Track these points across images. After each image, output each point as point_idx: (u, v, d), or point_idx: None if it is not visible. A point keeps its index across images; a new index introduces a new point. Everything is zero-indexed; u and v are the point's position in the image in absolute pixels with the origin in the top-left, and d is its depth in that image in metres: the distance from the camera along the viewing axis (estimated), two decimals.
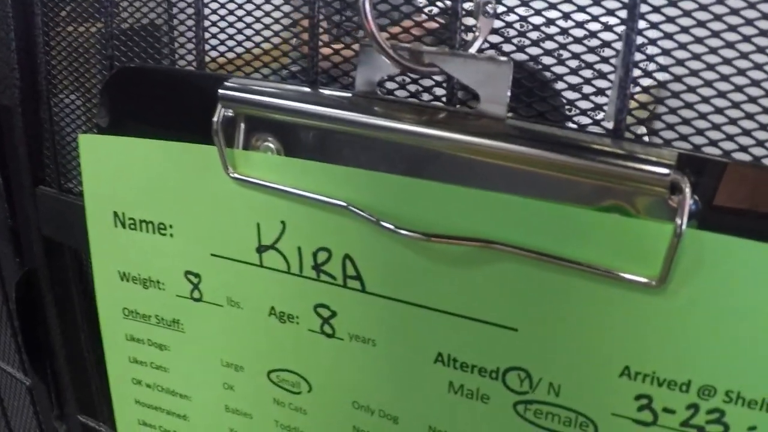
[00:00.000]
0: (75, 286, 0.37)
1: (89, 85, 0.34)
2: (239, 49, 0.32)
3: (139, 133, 0.30)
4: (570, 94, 0.26)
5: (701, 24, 0.24)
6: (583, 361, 0.25)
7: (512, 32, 0.26)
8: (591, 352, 0.24)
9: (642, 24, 0.24)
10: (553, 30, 0.26)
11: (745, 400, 0.22)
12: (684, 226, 0.21)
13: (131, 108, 0.32)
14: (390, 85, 0.28)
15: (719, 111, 0.24)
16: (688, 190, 0.22)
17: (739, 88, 0.23)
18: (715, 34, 0.23)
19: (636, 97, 0.25)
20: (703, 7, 0.23)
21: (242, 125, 0.29)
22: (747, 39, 0.23)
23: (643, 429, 0.24)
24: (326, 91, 0.28)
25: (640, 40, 0.24)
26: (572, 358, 0.25)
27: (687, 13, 0.24)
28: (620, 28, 0.24)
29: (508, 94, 0.24)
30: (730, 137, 0.24)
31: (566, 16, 0.26)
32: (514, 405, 0.26)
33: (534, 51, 0.27)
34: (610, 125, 0.25)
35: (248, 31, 0.31)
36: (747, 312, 0.22)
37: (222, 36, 0.32)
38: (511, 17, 0.27)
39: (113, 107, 0.32)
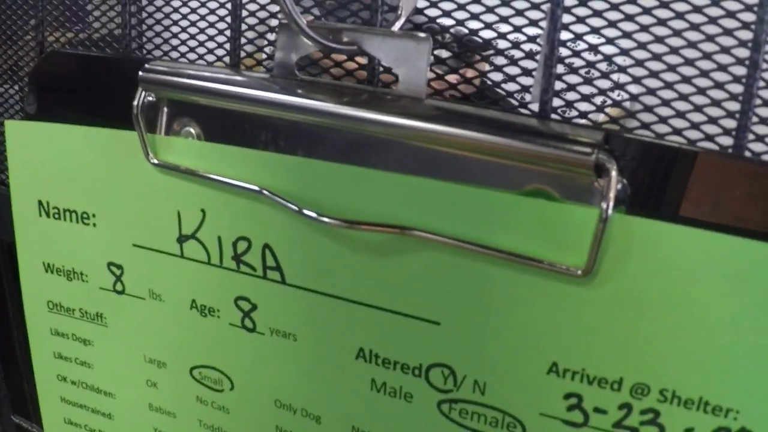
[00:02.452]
0: (7, 282, 0.36)
1: (22, 73, 0.33)
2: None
3: (66, 120, 0.29)
4: (496, 76, 0.25)
5: None
6: (509, 357, 0.23)
7: (436, 12, 0.25)
8: (517, 348, 0.23)
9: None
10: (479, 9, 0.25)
11: (680, 400, 0.21)
12: (610, 211, 0.20)
13: (59, 94, 0.31)
14: (314, 70, 0.27)
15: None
16: (614, 173, 0.20)
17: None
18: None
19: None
20: None
21: (164, 110, 0.28)
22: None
23: (573, 430, 0.23)
24: (246, 73, 0.27)
25: (567, 18, 0.23)
26: (497, 354, 0.23)
27: None
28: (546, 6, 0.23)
29: (428, 72, 0.23)
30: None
31: None
32: (439, 404, 0.25)
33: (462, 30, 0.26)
34: (536, 107, 0.24)
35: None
36: (680, 303, 0.20)
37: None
38: None
39: (41, 94, 0.31)
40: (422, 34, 0.23)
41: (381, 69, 0.26)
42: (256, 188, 0.25)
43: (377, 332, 0.25)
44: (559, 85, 0.24)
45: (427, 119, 0.23)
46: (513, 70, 0.25)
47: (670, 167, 0.22)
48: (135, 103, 0.27)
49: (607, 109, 0.25)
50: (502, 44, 0.25)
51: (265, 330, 0.27)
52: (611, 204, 0.20)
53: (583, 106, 0.25)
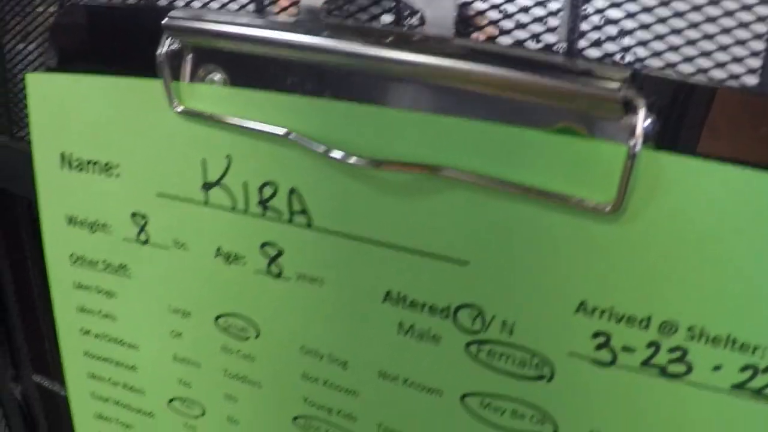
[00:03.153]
0: (27, 240, 0.36)
1: (42, 29, 0.33)
2: None
3: (88, 73, 0.29)
4: (523, 17, 0.25)
5: None
6: (537, 296, 0.23)
7: None
8: (545, 286, 0.23)
9: None
10: None
11: (708, 337, 0.21)
12: (638, 147, 0.20)
13: (80, 47, 0.31)
14: (340, 14, 0.27)
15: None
16: (642, 109, 0.21)
17: None
18: None
19: None
20: None
21: (189, 57, 0.28)
22: None
23: (601, 370, 0.23)
24: (272, 17, 0.27)
25: None
26: (526, 293, 0.23)
27: None
28: None
29: (455, 12, 0.23)
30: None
31: None
32: (467, 346, 0.25)
33: None
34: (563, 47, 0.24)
35: None
36: (708, 238, 0.20)
37: None
38: None
39: (62, 47, 0.31)
40: None
41: (408, 11, 0.26)
42: (283, 131, 0.25)
43: (405, 274, 0.25)
44: (584, 26, 0.24)
45: (456, 57, 0.23)
46: (539, 12, 0.25)
47: (695, 104, 0.22)
48: (159, 51, 0.27)
49: (632, 49, 0.25)
50: None
51: (291, 275, 0.27)
52: (639, 140, 0.20)
53: (609, 47, 0.25)
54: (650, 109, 0.21)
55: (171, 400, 0.33)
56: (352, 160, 0.24)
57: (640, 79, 0.21)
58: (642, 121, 0.20)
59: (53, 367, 0.39)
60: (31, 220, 0.36)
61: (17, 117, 0.34)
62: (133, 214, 0.30)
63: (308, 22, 0.25)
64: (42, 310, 0.38)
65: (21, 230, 0.36)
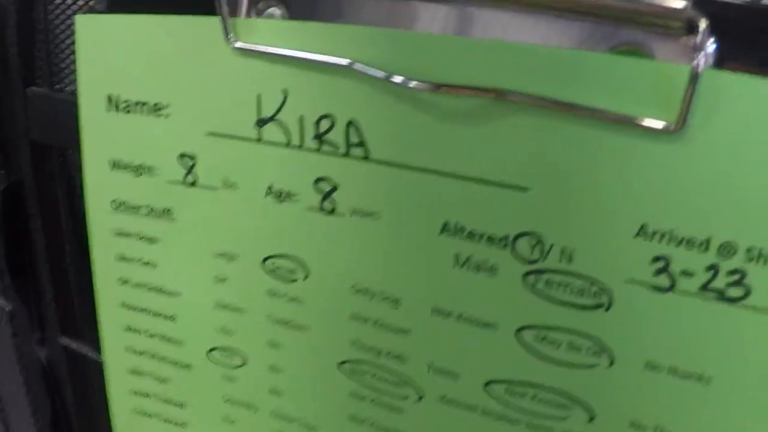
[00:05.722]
0: (61, 196, 0.36)
1: None
2: None
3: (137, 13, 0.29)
4: None
5: None
6: (598, 221, 0.23)
7: None
8: (606, 210, 0.23)
9: None
10: None
11: (767, 259, 0.21)
12: (701, 66, 0.21)
13: None
14: None
15: None
16: (704, 27, 0.21)
17: None
18: None
19: None
20: None
21: None
22: None
23: (659, 296, 0.23)
24: None
25: None
26: (586, 219, 0.24)
27: None
28: None
29: None
30: None
31: None
32: (524, 276, 0.25)
33: None
34: None
35: None
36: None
37: None
38: None
39: None
40: None
41: None
42: (346, 62, 0.25)
43: (463, 204, 0.25)
44: None
45: None
46: None
47: (758, 25, 0.22)
48: None
49: None
50: None
51: (345, 211, 0.27)
52: (702, 60, 0.21)
53: None
54: (711, 29, 0.21)
55: (210, 351, 0.32)
56: (413, 83, 0.24)
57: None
58: (705, 40, 0.21)
59: (82, 327, 0.38)
60: (65, 174, 0.36)
61: (57, 68, 0.34)
62: (182, 156, 0.30)
63: None
64: (74, 266, 0.37)
65: (55, 185, 0.36)
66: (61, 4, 0.34)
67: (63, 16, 0.34)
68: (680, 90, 0.21)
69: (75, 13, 0.34)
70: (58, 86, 0.35)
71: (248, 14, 0.28)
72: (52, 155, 0.36)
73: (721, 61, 0.21)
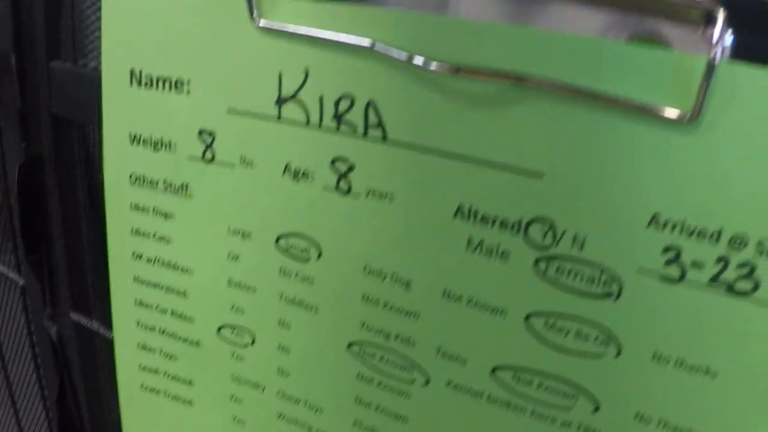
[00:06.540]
0: (80, 172, 0.36)
1: None
2: None
3: None
4: None
5: None
6: (611, 208, 0.23)
7: None
8: (619, 198, 0.23)
9: None
10: None
11: None
12: (718, 58, 0.21)
13: None
14: None
15: None
16: (722, 19, 0.21)
17: None
18: None
19: None
20: None
21: None
22: None
23: (669, 287, 0.23)
24: None
25: None
26: (599, 206, 0.24)
27: None
28: None
29: None
30: None
31: None
32: (536, 262, 0.25)
33: None
34: None
35: None
36: None
37: None
38: None
39: None
40: None
41: None
42: (366, 42, 0.26)
43: (478, 187, 0.25)
44: None
45: None
46: None
47: None
48: None
49: None
50: None
51: (360, 191, 0.27)
52: (719, 51, 0.21)
53: None
54: (729, 21, 0.22)
55: (220, 328, 0.33)
56: (433, 66, 0.25)
57: None
58: (722, 32, 0.21)
59: (94, 303, 0.38)
60: (84, 149, 0.36)
61: (81, 44, 0.35)
62: (201, 132, 0.30)
63: None
64: (89, 242, 0.37)
65: (74, 160, 0.36)
66: None
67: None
68: (696, 81, 0.21)
69: None
70: (81, 62, 0.35)
71: None
72: (73, 130, 0.36)
73: (738, 53, 0.22)
